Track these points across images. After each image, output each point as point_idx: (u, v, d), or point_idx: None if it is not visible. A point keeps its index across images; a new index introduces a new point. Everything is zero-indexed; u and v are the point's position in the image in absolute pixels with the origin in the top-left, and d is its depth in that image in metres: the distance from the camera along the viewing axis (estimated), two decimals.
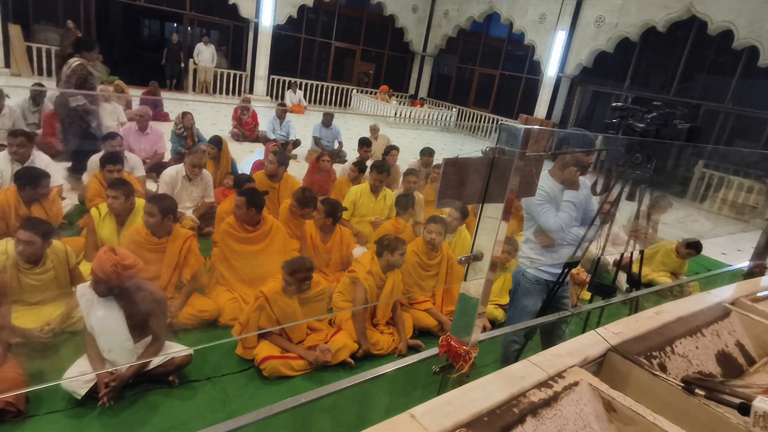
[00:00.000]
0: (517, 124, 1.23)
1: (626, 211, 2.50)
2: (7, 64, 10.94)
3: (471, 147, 12.81)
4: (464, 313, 1.43)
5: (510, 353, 2.77)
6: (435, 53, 16.92)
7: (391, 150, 5.93)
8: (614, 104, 2.30)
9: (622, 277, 3.99)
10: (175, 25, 17.23)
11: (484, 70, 15.80)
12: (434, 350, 1.49)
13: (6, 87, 7.53)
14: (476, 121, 15.05)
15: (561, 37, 12.45)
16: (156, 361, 2.45)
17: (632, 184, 2.30)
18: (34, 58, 11.34)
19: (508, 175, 1.23)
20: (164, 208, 2.97)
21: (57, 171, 4.28)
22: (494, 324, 3.70)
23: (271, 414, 1.18)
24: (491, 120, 14.51)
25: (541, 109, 13.20)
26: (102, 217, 3.31)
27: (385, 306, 3.24)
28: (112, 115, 6.80)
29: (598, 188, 2.40)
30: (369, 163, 5.42)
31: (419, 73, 17.48)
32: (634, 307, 2.52)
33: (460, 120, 15.44)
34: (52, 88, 6.99)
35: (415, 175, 4.72)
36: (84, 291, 2.38)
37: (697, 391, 1.29)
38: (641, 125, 2.16)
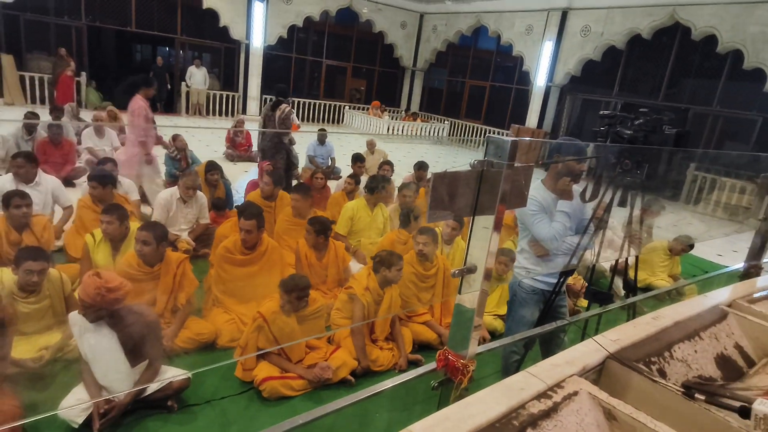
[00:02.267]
0: (504, 137, 1.25)
1: (620, 217, 2.52)
2: (1, 94, 10.98)
3: (464, 158, 12.88)
4: (460, 326, 1.43)
5: (510, 364, 2.76)
6: (425, 68, 17.11)
7: (384, 165, 5.96)
8: (602, 112, 2.32)
9: (619, 283, 3.99)
10: (167, 48, 17.40)
11: (475, 82, 15.97)
12: (432, 365, 1.48)
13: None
14: (469, 133, 15.17)
15: (548, 47, 12.62)
16: (153, 387, 2.43)
17: (623, 190, 2.32)
18: (27, 87, 11.39)
19: (498, 187, 1.24)
20: (158, 235, 2.96)
21: (63, 193, 4.31)
22: (494, 335, 3.68)
23: None
24: (483, 131, 14.63)
25: (532, 119, 13.32)
26: (96, 243, 3.30)
27: (384, 321, 3.22)
28: (106, 141, 6.80)
29: (587, 196, 2.41)
30: (364, 178, 5.45)
31: (410, 88, 17.65)
32: (631, 312, 2.52)
33: (453, 132, 15.56)
34: (45, 119, 6.99)
35: (411, 189, 4.74)
36: (76, 319, 2.35)
37: (697, 395, 1.29)
38: (629, 132, 2.18)
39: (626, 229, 2.62)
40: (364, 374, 3.00)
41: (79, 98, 11.60)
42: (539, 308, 2.67)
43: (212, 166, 5.36)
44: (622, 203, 2.31)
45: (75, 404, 2.23)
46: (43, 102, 11.55)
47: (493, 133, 14.13)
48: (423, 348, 3.41)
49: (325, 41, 16.02)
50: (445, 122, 15.40)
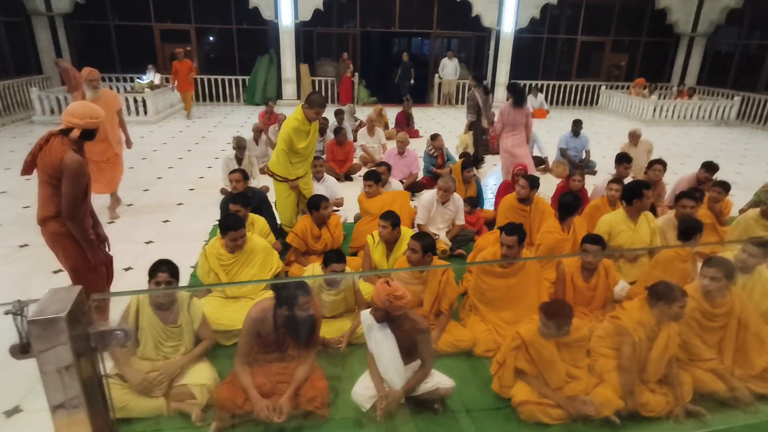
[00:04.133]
0: None
1: None
2: (299, 97, 13.63)
3: (761, 144, 10.27)
4: None
5: None
6: (709, 31, 14.14)
7: (655, 165, 5.19)
8: None
9: None
10: (421, 40, 18.66)
11: None
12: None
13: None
14: None
15: None
16: (423, 389, 2.70)
17: None
18: (317, 89, 13.86)
19: None
20: (425, 245, 3.24)
21: (337, 189, 5.34)
22: None
23: None
24: None
25: None
26: (375, 244, 3.82)
27: (657, 361, 2.85)
28: (375, 140, 7.76)
29: None
30: (628, 180, 4.87)
31: (686, 58, 14.86)
32: None
33: (746, 110, 12.53)
34: (330, 119, 8.35)
35: (693, 198, 4.03)
36: (366, 316, 2.77)
37: None
38: None
39: None
40: (631, 416, 2.74)
41: (353, 96, 13.53)
42: None
43: (467, 164, 5.57)
44: None
45: (363, 392, 2.65)
46: (328, 101, 13.89)
47: None
48: (706, 399, 2.90)
49: (581, 15, 14.75)
50: (735, 97, 12.50)
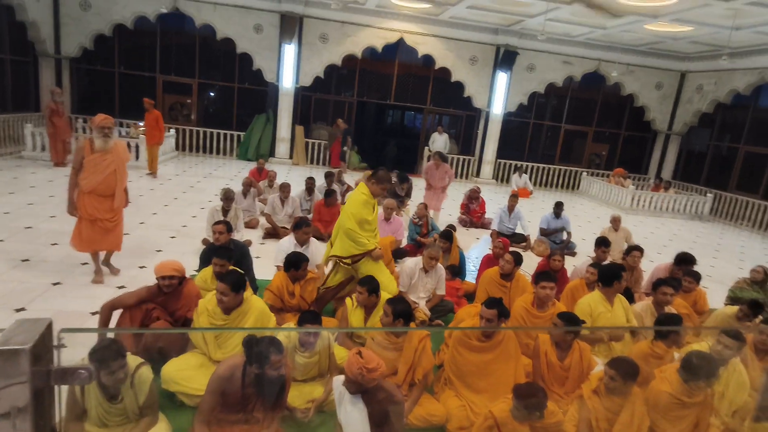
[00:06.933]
0: None
1: None
2: (291, 156, 13.91)
3: (732, 240, 10.65)
4: None
5: None
6: (683, 131, 15.07)
7: (633, 251, 5.33)
8: None
9: None
10: (414, 114, 19.46)
11: (753, 148, 13.25)
12: None
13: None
14: (740, 209, 12.54)
15: None
16: None
17: None
18: (310, 151, 14.19)
19: None
20: (397, 311, 3.21)
21: (319, 254, 5.15)
22: None
23: None
24: (764, 208, 11.89)
25: None
26: (354, 307, 3.77)
27: None
28: None
29: None
30: (605, 263, 4.98)
31: (662, 154, 15.70)
32: None
33: (718, 207, 13.10)
34: (319, 180, 8.50)
35: (672, 287, 4.10)
36: (338, 384, 2.68)
37: None
38: None
39: None
40: None
41: (344, 160, 13.86)
42: None
43: (445, 235, 5.66)
44: None
45: None
46: (319, 163, 14.19)
47: None
48: None
49: (566, 105, 15.67)
50: (708, 194, 13.10)
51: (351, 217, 4.20)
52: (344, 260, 4.29)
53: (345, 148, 13.66)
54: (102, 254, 4.86)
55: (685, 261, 5.13)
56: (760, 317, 4.20)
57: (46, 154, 10.01)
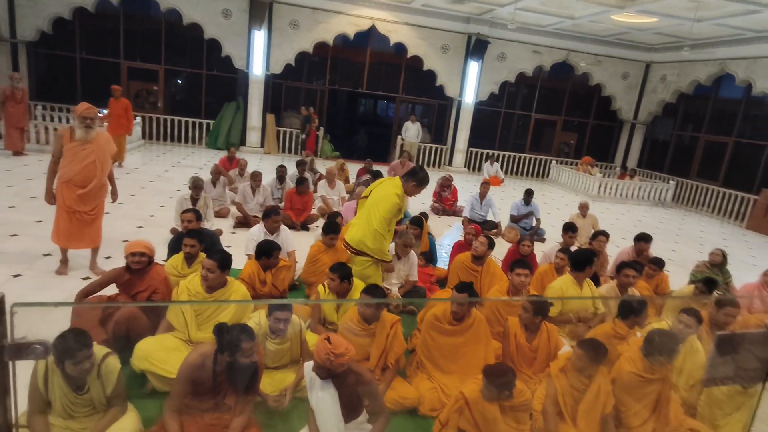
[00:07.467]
0: None
1: None
2: (262, 145, 13.70)
3: (693, 225, 11.07)
4: None
5: None
6: (648, 120, 15.52)
7: (599, 236, 5.48)
8: None
9: None
10: (386, 103, 19.42)
11: (713, 137, 13.77)
12: None
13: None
14: (701, 195, 13.03)
15: None
16: None
17: None
18: (281, 139, 14.00)
19: None
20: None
21: (293, 243, 5.12)
22: None
23: None
24: (722, 195, 12.38)
25: None
26: (326, 294, 3.77)
27: (587, 415, 2.88)
28: (335, 192, 7.84)
29: None
30: (573, 248, 5.11)
31: (628, 142, 16.14)
32: None
33: (680, 194, 13.58)
34: (291, 169, 8.42)
35: (635, 269, 4.25)
36: (308, 370, 2.68)
37: None
38: None
39: None
40: None
41: (317, 149, 13.73)
42: None
43: (416, 222, 5.69)
44: None
45: None
46: (290, 152, 14.03)
47: (736, 198, 11.87)
48: None
49: (536, 95, 15.89)
50: (670, 182, 13.56)
51: (383, 221, 3.91)
52: (351, 249, 4.11)
53: (303, 136, 13.58)
54: (87, 255, 4.73)
55: (642, 238, 5.36)
56: (715, 293, 4.43)
57: (1, 143, 9.58)
